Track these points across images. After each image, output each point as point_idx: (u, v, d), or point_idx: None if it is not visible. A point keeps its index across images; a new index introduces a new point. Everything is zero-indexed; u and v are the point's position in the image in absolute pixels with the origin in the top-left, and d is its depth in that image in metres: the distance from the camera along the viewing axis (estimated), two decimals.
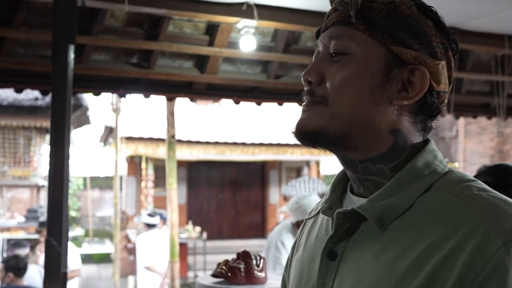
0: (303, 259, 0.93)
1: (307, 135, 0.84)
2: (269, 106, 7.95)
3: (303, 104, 0.87)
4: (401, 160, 0.83)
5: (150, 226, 7.13)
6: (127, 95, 4.49)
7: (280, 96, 4.97)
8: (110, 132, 12.70)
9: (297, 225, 3.72)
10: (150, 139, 11.87)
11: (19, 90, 4.26)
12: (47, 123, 10.32)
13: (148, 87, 4.45)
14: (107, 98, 9.81)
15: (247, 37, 4.10)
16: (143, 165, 13.09)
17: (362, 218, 0.81)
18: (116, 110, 8.76)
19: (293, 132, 0.86)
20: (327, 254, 0.84)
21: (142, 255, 6.96)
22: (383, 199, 0.80)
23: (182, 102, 11.23)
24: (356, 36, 0.83)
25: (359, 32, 0.83)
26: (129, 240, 11.19)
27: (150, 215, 7.30)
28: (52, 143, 3.02)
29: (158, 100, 10.86)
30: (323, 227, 0.93)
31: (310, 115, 0.84)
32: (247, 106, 9.89)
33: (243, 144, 12.77)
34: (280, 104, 5.04)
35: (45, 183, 8.16)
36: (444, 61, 0.85)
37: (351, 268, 0.80)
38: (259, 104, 5.01)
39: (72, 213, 16.46)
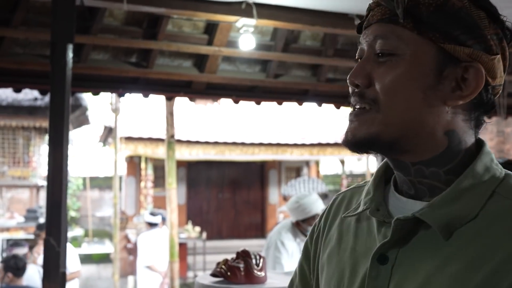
0: (342, 258, 0.89)
1: (359, 143, 0.81)
2: (269, 106, 7.96)
3: (351, 112, 0.84)
4: (456, 163, 0.81)
5: (152, 225, 7.14)
6: (126, 95, 4.48)
7: (280, 95, 4.96)
8: (109, 132, 12.68)
9: (297, 224, 3.71)
10: (150, 139, 11.85)
11: (18, 90, 4.26)
12: (46, 123, 10.28)
13: (147, 86, 4.44)
14: (106, 98, 9.80)
15: (246, 36, 4.09)
16: (143, 165, 13.07)
17: (421, 223, 0.78)
18: (115, 110, 8.75)
19: (343, 141, 0.83)
20: (377, 258, 0.80)
21: (143, 254, 6.96)
22: (446, 206, 0.77)
23: (181, 102, 11.22)
24: (404, 35, 0.79)
25: (406, 30, 0.79)
26: (128, 240, 11.18)
27: (152, 214, 7.31)
28: (51, 143, 3.01)
29: (157, 100, 10.84)
30: (362, 226, 0.88)
31: (360, 123, 0.81)
32: (247, 105, 9.89)
33: (243, 144, 12.76)
34: (280, 103, 5.04)
35: (45, 183, 8.17)
36: (499, 55, 0.81)
37: (409, 275, 0.77)
38: (258, 103, 5.00)
39: (72, 213, 16.44)
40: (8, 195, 14.03)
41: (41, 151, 11.39)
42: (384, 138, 0.80)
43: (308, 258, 1.00)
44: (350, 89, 0.84)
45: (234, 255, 2.10)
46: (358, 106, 0.83)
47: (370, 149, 0.82)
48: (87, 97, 11.48)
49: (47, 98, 9.33)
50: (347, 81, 0.83)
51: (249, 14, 3.79)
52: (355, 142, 0.82)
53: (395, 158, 0.84)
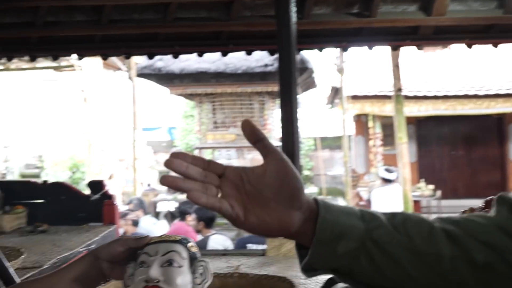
0: None
1: None
2: (508, 48, 7.11)
3: None
4: None
5: (386, 181, 7.16)
6: (350, 48, 4.44)
7: None
8: (336, 92, 12.84)
9: None
10: (376, 97, 11.67)
11: (249, 52, 4.51)
12: (276, 88, 10.85)
13: (371, 37, 4.33)
14: (331, 59, 9.90)
15: None
16: (370, 123, 12.99)
17: None
18: (340, 70, 8.81)
19: None
20: None
21: (377, 209, 7.00)
22: None
23: (407, 52, 10.75)
24: None
25: None
26: (360, 198, 11.31)
27: (388, 170, 7.31)
28: (282, 97, 3.14)
29: (382, 53, 10.55)
30: None
31: None
32: (481, 49, 9.01)
33: (476, 96, 11.76)
34: None
35: (280, 144, 8.70)
36: None
37: None
38: (495, 46, 4.50)
39: (306, 172, 17.25)
40: (249, 156, 15.30)
41: (274, 114, 12.07)
42: None
43: None
44: None
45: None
46: None
47: None
48: (312, 60, 11.76)
49: (276, 64, 9.79)
50: None
51: None
52: None
53: None
